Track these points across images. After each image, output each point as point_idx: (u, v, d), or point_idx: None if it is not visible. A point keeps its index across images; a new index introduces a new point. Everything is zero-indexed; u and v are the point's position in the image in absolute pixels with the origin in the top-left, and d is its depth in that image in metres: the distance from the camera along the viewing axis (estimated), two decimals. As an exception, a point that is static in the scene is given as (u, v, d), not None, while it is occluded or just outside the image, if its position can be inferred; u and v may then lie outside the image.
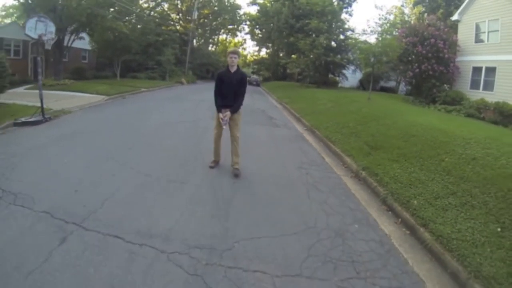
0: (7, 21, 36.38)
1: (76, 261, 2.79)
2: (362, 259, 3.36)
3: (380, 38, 19.78)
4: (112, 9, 23.28)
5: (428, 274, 3.30)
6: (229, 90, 5.42)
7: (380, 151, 6.89)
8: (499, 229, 3.76)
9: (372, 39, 42.12)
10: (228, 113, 5.42)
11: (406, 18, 38.22)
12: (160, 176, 5.16)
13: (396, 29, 25.58)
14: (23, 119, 8.30)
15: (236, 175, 5.41)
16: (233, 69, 5.43)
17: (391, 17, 40.67)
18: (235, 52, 5.51)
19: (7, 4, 37.29)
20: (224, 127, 5.49)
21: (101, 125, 8.97)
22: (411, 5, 39.18)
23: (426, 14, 29.53)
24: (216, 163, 5.84)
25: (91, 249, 2.99)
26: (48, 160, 5.53)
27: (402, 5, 42.37)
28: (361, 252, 3.49)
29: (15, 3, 25.27)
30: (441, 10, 31.04)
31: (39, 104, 8.89)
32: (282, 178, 5.70)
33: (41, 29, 8.90)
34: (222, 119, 5.38)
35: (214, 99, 5.56)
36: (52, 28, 9.26)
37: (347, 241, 3.70)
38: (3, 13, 36.96)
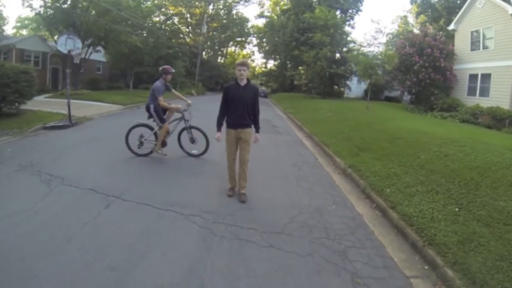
0: (23, 32, 38.19)
1: (119, 218, 3.88)
2: (334, 228, 4.20)
3: (379, 51, 20.56)
4: (124, 23, 24.42)
5: (390, 242, 3.99)
6: (240, 106, 4.74)
7: (367, 151, 7.70)
8: (456, 209, 4.39)
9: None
10: (257, 135, 5.08)
11: (411, 27, 38.88)
12: (179, 166, 6.34)
13: (400, 38, 26.31)
14: (52, 124, 9.48)
15: (242, 201, 4.82)
16: (243, 83, 4.76)
17: (395, 27, 41.42)
18: (244, 64, 4.78)
19: (22, 16, 38.91)
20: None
21: (122, 130, 9.88)
22: (415, 15, 40.07)
23: (428, 24, 30.19)
24: (233, 190, 5.12)
25: (129, 211, 4.09)
26: (83, 155, 6.64)
27: (405, 15, 43.30)
28: (334, 223, 4.35)
29: (31, 15, 26.92)
30: (442, 19, 31.76)
31: (61, 111, 10.08)
32: (278, 171, 6.68)
33: (70, 45, 10.17)
34: (217, 138, 4.94)
35: (218, 116, 4.94)
36: (79, 44, 10.54)
37: (324, 216, 4.58)
38: (19, 24, 38.72)
